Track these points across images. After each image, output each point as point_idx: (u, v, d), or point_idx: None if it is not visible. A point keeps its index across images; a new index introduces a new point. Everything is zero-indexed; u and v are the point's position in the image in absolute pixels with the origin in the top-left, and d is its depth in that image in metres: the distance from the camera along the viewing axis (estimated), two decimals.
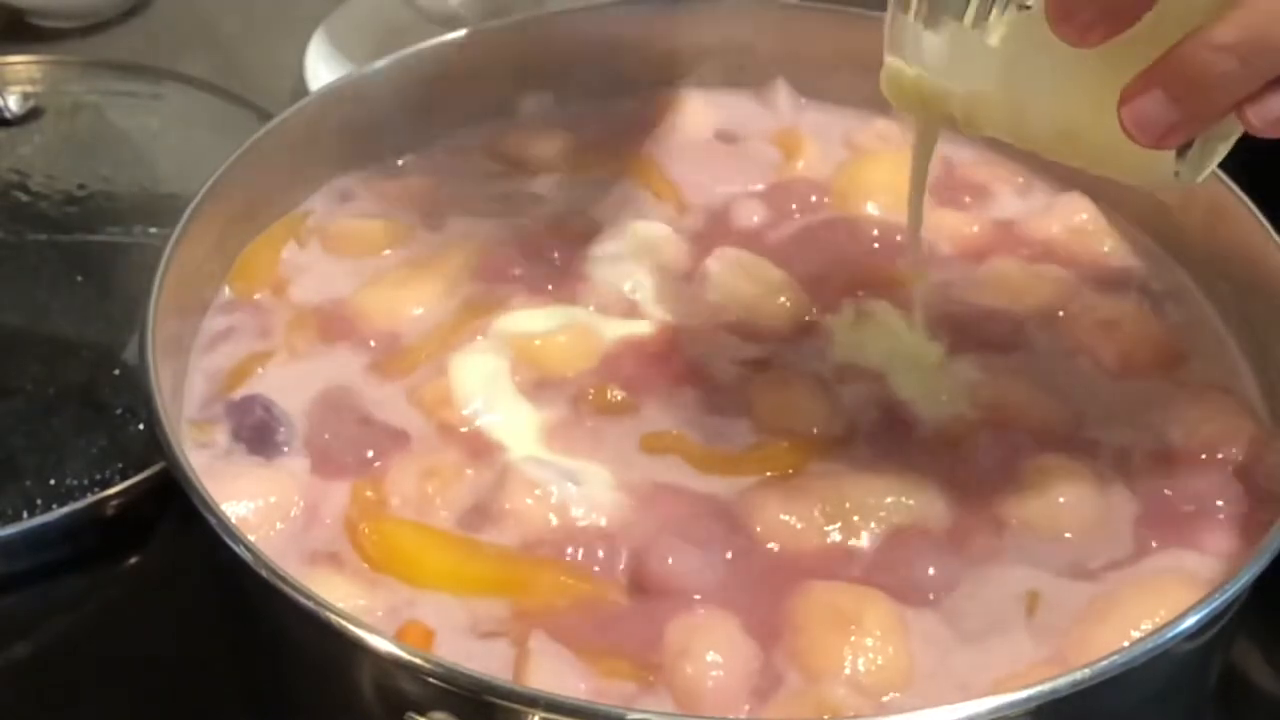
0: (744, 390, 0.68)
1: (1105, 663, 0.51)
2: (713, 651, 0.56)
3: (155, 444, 0.59)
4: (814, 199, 0.80)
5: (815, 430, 0.66)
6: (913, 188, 0.66)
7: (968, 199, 0.80)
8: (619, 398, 0.68)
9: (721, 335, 0.71)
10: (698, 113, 0.85)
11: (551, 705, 0.50)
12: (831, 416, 0.67)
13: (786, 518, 0.62)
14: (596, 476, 0.64)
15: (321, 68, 1.02)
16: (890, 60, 0.60)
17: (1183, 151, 0.53)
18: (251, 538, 0.56)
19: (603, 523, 0.62)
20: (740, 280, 0.73)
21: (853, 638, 0.57)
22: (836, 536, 0.61)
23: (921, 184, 0.66)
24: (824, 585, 0.59)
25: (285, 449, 0.66)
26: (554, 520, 0.62)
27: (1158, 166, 0.54)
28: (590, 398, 0.68)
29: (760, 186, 0.81)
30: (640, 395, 0.68)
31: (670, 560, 0.60)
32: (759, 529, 0.62)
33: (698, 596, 0.59)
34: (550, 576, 0.60)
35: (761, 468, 0.65)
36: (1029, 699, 0.50)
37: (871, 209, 0.79)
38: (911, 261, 0.70)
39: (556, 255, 0.75)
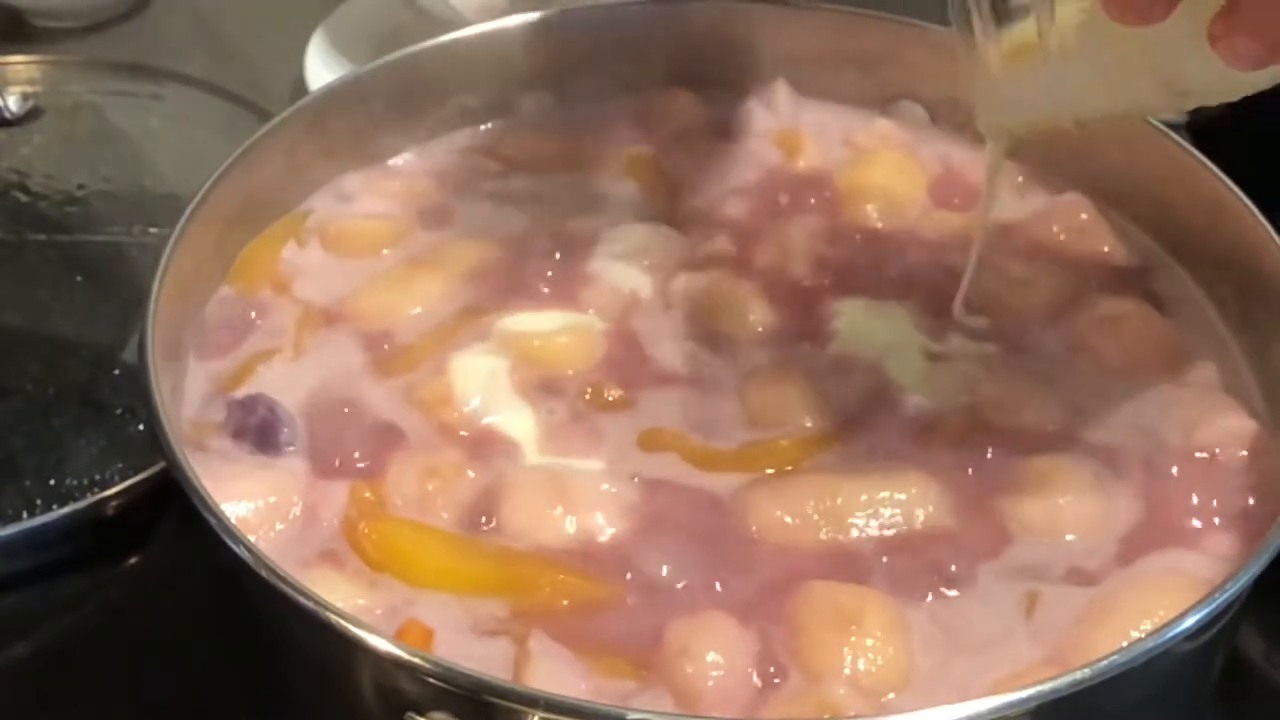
0: (741, 387, 0.68)
1: (1105, 663, 0.51)
2: (712, 651, 0.56)
3: (155, 444, 0.59)
4: (814, 198, 0.80)
5: (808, 423, 0.66)
6: (985, 206, 0.70)
7: (967, 199, 0.80)
8: (617, 396, 0.68)
9: (719, 334, 0.71)
10: (698, 112, 0.85)
11: (551, 705, 0.50)
12: (825, 411, 0.67)
13: (780, 514, 0.62)
14: (596, 475, 0.64)
15: (321, 68, 1.02)
16: (985, 118, 0.67)
17: None
18: (251, 538, 0.56)
19: (602, 522, 0.62)
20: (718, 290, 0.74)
21: (853, 638, 0.57)
22: (830, 534, 0.61)
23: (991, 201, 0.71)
24: (825, 585, 0.59)
25: (288, 449, 0.66)
26: (554, 519, 0.62)
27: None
28: (588, 397, 0.68)
29: (760, 186, 0.81)
30: (638, 394, 0.68)
31: (669, 559, 0.60)
32: (755, 527, 0.62)
33: (697, 595, 0.59)
34: (550, 576, 0.60)
35: (759, 464, 0.65)
36: (1029, 699, 0.50)
37: (872, 208, 0.79)
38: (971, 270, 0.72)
39: (556, 255, 0.75)
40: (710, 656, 0.56)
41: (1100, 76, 0.58)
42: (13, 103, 0.99)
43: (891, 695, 0.56)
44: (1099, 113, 0.62)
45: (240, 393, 0.68)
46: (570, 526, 0.62)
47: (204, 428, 0.66)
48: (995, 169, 0.69)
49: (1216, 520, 0.62)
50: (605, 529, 0.62)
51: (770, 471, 0.64)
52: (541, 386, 0.69)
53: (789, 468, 0.65)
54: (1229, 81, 0.54)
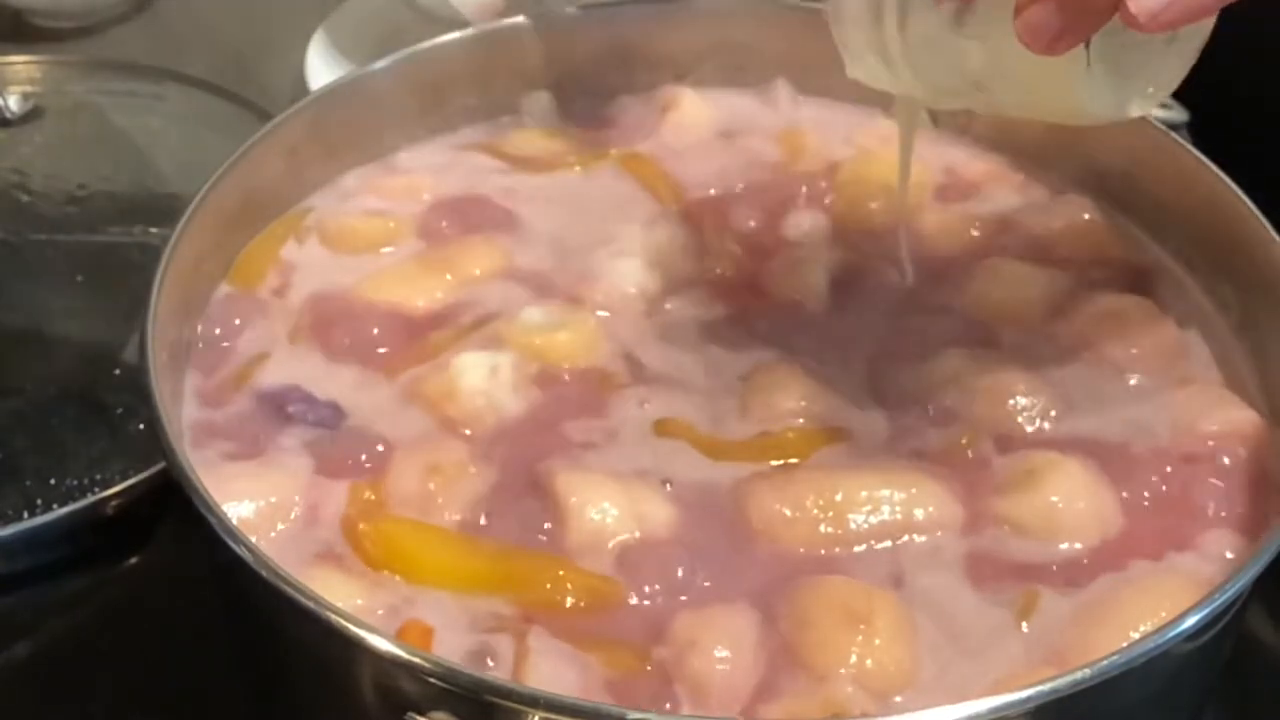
0: (744, 379, 0.68)
1: (1105, 663, 0.51)
2: (720, 646, 0.56)
3: (155, 444, 0.59)
4: (815, 198, 0.80)
5: (809, 417, 0.66)
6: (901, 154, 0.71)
7: (967, 198, 0.80)
8: (620, 387, 0.68)
9: (721, 329, 0.72)
10: (698, 112, 0.85)
11: (551, 705, 0.50)
12: (827, 405, 0.67)
13: (780, 508, 0.62)
14: (599, 472, 0.64)
15: (321, 68, 1.02)
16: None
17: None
18: (252, 538, 0.56)
19: (606, 518, 0.62)
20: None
21: (861, 637, 0.57)
22: (830, 529, 0.61)
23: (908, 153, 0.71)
24: (835, 581, 0.59)
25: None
26: (556, 517, 0.62)
27: (1075, 91, 0.57)
28: (593, 390, 0.68)
29: (761, 186, 0.81)
30: (642, 387, 0.68)
31: (673, 554, 0.60)
32: (757, 521, 0.62)
33: (700, 590, 0.59)
34: (550, 572, 0.60)
35: (767, 455, 0.65)
36: (1029, 699, 0.50)
37: (873, 208, 0.79)
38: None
39: (558, 253, 0.76)
40: (719, 651, 0.56)
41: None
42: (13, 103, 0.99)
43: (895, 696, 0.56)
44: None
45: (245, 390, 0.68)
46: (573, 523, 0.61)
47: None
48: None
49: (1216, 520, 0.62)
50: (609, 525, 0.61)
51: (776, 463, 0.65)
52: (544, 383, 0.68)
53: (794, 460, 0.65)
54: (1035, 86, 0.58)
